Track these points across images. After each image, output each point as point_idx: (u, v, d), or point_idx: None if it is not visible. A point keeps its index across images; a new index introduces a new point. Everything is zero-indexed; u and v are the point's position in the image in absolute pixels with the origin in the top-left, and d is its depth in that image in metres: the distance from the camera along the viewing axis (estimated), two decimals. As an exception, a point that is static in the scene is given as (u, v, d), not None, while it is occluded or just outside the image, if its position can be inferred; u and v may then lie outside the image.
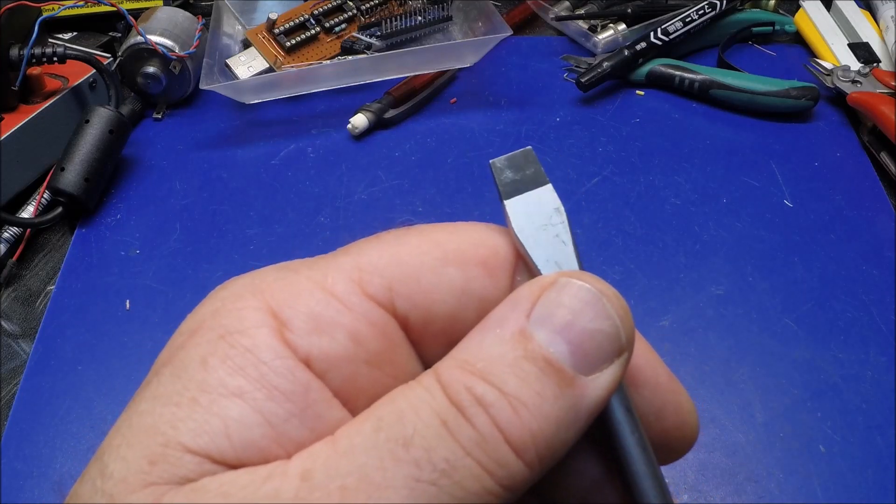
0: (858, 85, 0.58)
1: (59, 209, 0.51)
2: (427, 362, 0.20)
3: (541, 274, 0.20)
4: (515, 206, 0.20)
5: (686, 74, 0.60)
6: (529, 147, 0.21)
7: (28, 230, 0.51)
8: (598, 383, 0.19)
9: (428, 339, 0.20)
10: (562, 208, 0.20)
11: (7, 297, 0.48)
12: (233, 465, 0.17)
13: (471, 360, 0.18)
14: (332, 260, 0.19)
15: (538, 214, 0.20)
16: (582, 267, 0.20)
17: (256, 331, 0.17)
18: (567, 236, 0.20)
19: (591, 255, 0.48)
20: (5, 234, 0.50)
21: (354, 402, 0.18)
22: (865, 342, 0.43)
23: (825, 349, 0.42)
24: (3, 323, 0.47)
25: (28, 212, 0.52)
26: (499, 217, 0.21)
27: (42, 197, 0.52)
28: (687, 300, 0.45)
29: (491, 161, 0.21)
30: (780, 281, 0.47)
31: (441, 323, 0.19)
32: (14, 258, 0.50)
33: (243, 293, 0.18)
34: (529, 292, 0.19)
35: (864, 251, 0.48)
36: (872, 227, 0.50)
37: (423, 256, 0.19)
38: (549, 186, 0.20)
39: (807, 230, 0.50)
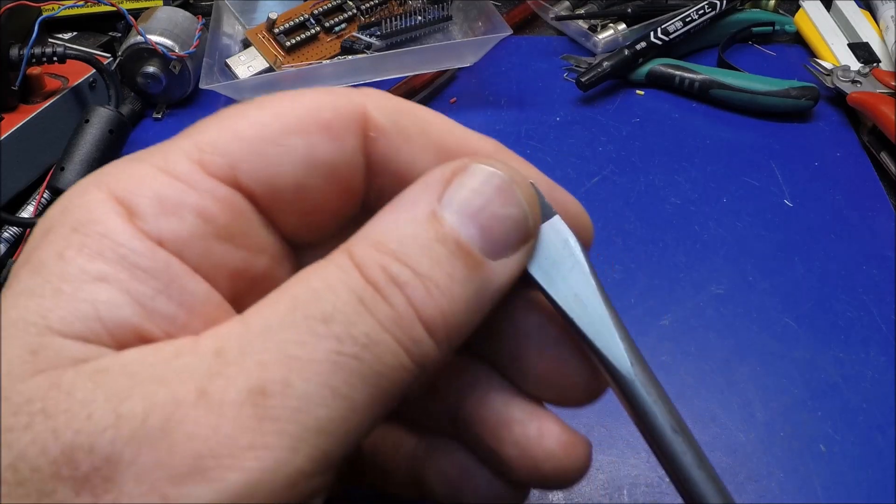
0: (858, 85, 0.58)
1: (59, 209, 0.51)
2: (284, 233, 0.20)
3: (564, 312, 0.20)
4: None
5: (686, 74, 0.60)
6: (531, 181, 0.20)
7: (28, 230, 0.51)
8: (505, 268, 0.19)
9: (279, 210, 0.20)
10: (574, 237, 0.20)
11: (7, 297, 0.48)
12: (112, 347, 0.16)
13: (384, 241, 0.18)
14: (174, 143, 0.19)
15: (550, 248, 0.20)
16: (605, 294, 0.20)
17: (106, 218, 0.17)
18: (583, 266, 0.20)
19: (591, 254, 0.48)
20: (5, 234, 0.50)
21: (214, 276, 0.19)
22: (865, 342, 0.43)
23: (825, 349, 0.42)
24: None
25: (28, 212, 0.52)
26: None
27: (42, 197, 0.52)
28: (687, 300, 0.45)
29: None
30: (780, 281, 0.47)
31: (289, 193, 0.19)
32: (14, 258, 0.50)
33: (88, 187, 0.18)
34: (441, 175, 0.19)
35: (864, 251, 0.48)
36: (872, 227, 0.50)
37: (264, 129, 0.19)
38: (558, 217, 0.20)
39: (807, 230, 0.50)
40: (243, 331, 0.17)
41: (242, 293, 0.19)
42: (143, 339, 0.17)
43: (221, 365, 0.16)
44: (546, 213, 0.20)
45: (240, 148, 0.19)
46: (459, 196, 0.19)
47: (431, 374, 0.18)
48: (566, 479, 0.21)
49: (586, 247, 0.21)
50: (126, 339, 0.17)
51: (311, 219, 0.20)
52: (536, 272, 0.20)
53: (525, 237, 0.19)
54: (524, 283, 0.20)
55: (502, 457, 0.21)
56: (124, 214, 0.17)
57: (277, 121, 0.19)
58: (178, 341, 0.17)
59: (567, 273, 0.20)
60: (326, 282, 0.17)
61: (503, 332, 0.22)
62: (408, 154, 0.20)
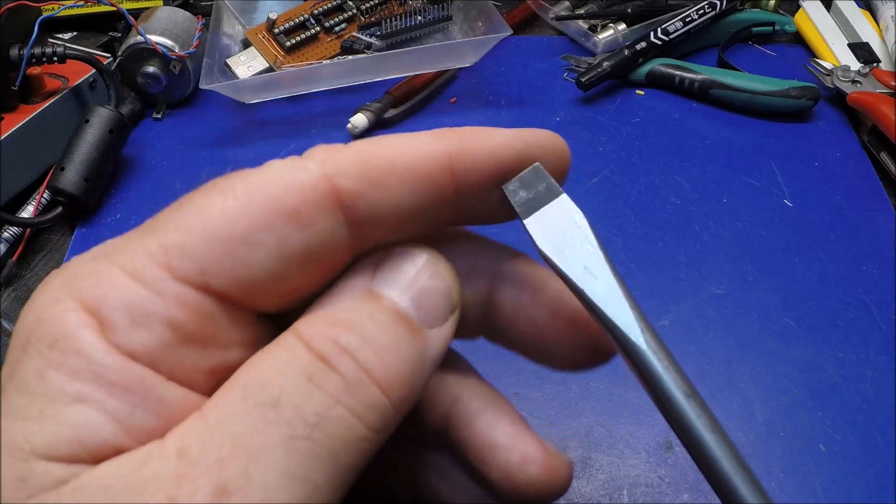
0: (858, 85, 0.58)
1: (59, 209, 0.51)
2: (262, 311, 0.20)
3: (574, 284, 0.20)
4: (535, 224, 0.21)
5: (686, 74, 0.60)
6: (537, 163, 0.21)
7: (28, 230, 0.51)
8: (439, 336, 0.20)
9: (254, 301, 0.20)
10: (581, 215, 0.21)
11: (7, 297, 0.48)
12: (91, 463, 0.17)
13: (330, 315, 0.19)
14: (139, 241, 0.19)
15: (558, 226, 0.21)
16: (613, 266, 0.20)
17: (80, 333, 0.18)
18: (592, 240, 0.20)
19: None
20: (5, 234, 0.50)
21: (189, 379, 0.19)
22: (865, 342, 0.43)
23: (825, 349, 0.42)
24: (3, 323, 0.47)
25: (28, 212, 0.52)
26: (514, 225, 0.21)
27: (42, 197, 0.52)
28: (687, 300, 0.45)
29: (503, 185, 0.21)
30: (780, 281, 0.47)
31: (264, 286, 0.19)
32: (14, 258, 0.50)
33: (60, 295, 0.18)
34: (368, 262, 0.21)
35: (864, 251, 0.48)
36: (872, 227, 0.50)
37: (232, 228, 0.18)
38: (564, 196, 0.21)
39: (807, 230, 0.50)
40: (202, 426, 0.17)
41: (222, 383, 0.19)
42: (122, 452, 0.17)
43: (186, 466, 0.16)
44: (553, 192, 0.21)
45: (209, 252, 0.18)
46: (390, 275, 0.20)
47: (388, 437, 0.19)
48: (548, 499, 0.22)
49: (564, 172, 0.22)
50: (105, 454, 0.17)
51: (290, 298, 0.20)
52: (547, 248, 0.20)
53: (452, 308, 0.21)
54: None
55: (487, 479, 0.22)
56: (97, 328, 0.18)
57: (244, 217, 0.19)
58: (147, 447, 0.17)
59: (576, 248, 0.20)
60: (274, 366, 0.18)
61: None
62: (387, 198, 0.20)
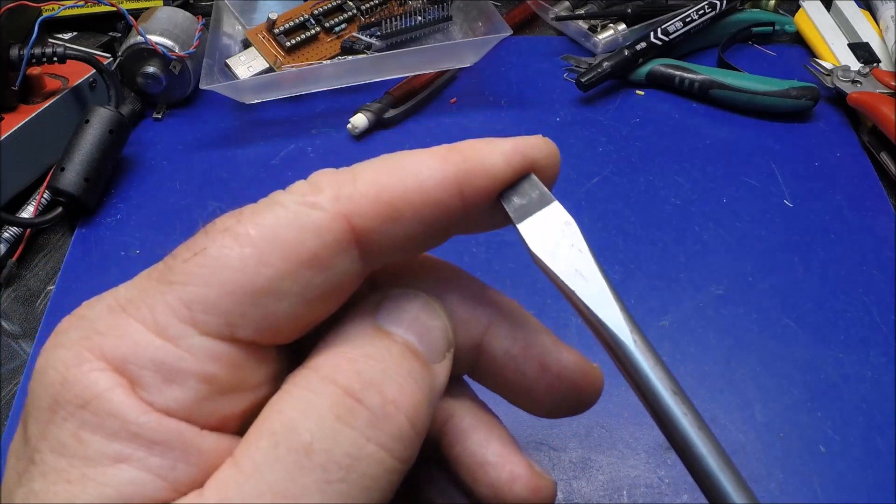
0: (858, 85, 0.58)
1: (59, 209, 0.51)
2: (285, 344, 0.21)
3: (566, 286, 0.21)
4: (528, 228, 0.21)
5: (686, 74, 0.60)
6: (530, 173, 0.22)
7: (28, 230, 0.51)
8: (441, 370, 0.21)
9: (279, 340, 0.20)
10: (572, 221, 0.22)
11: (7, 297, 0.48)
12: None
13: (348, 352, 0.20)
14: (159, 295, 0.18)
15: (550, 231, 0.21)
16: (603, 270, 0.21)
17: (111, 394, 0.18)
18: (582, 245, 0.21)
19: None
20: (5, 234, 0.50)
21: (226, 426, 0.19)
22: (865, 342, 0.43)
23: (825, 349, 0.42)
24: (3, 323, 0.47)
25: (28, 212, 0.52)
26: (510, 231, 0.22)
27: (42, 197, 0.52)
28: (687, 300, 0.45)
29: (498, 195, 0.22)
30: (780, 281, 0.47)
31: (292, 327, 0.20)
32: (14, 258, 0.50)
33: (82, 353, 0.18)
34: (370, 302, 0.21)
35: (864, 251, 0.48)
36: (872, 227, 0.50)
37: (255, 279, 0.18)
38: (556, 203, 0.22)
39: (807, 230, 0.50)
40: (237, 474, 0.17)
41: (252, 420, 0.19)
42: None
43: None
44: (546, 200, 0.22)
45: (232, 304, 0.18)
46: (394, 314, 0.21)
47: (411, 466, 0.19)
48: None
49: (555, 176, 0.23)
50: None
51: (310, 327, 0.21)
52: (539, 252, 0.21)
53: (449, 345, 0.22)
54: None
55: (476, 494, 0.23)
56: (127, 387, 0.18)
57: (264, 268, 0.18)
58: (187, 498, 0.17)
59: (567, 252, 0.21)
60: (300, 409, 0.18)
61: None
62: (401, 230, 0.20)
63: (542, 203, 0.22)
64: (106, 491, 0.17)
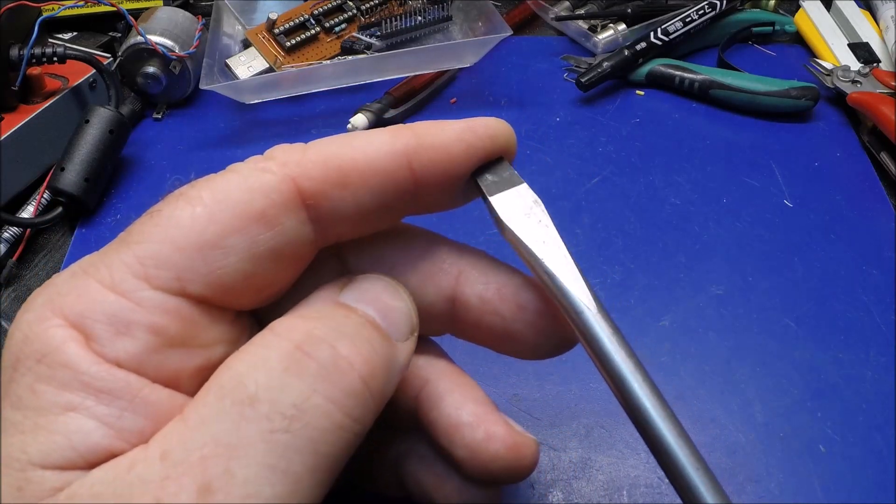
0: (858, 85, 0.58)
1: (59, 209, 0.51)
2: (240, 309, 0.21)
3: (532, 253, 0.22)
4: (500, 202, 0.23)
5: (686, 74, 0.60)
6: (502, 157, 0.24)
7: (28, 230, 0.51)
8: (404, 350, 0.21)
9: (234, 300, 0.20)
10: (539, 201, 0.23)
11: (7, 297, 0.48)
12: (86, 469, 0.18)
13: (305, 313, 0.20)
14: (114, 254, 0.19)
15: (520, 207, 0.23)
16: (565, 244, 0.22)
17: (66, 346, 0.18)
18: (548, 221, 0.23)
19: (591, 255, 0.48)
20: (5, 234, 0.50)
21: (175, 381, 0.19)
22: (865, 342, 0.43)
23: (825, 349, 0.42)
24: (3, 323, 0.47)
25: (28, 212, 0.52)
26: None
27: (42, 197, 0.52)
28: (687, 300, 0.45)
29: (472, 173, 0.23)
30: (780, 281, 0.47)
31: (238, 285, 0.20)
32: (14, 258, 0.50)
33: (44, 312, 0.19)
34: (334, 285, 0.22)
35: (864, 251, 0.48)
36: (872, 227, 0.50)
37: (202, 235, 0.19)
38: (525, 185, 0.24)
39: (807, 230, 0.50)
40: (182, 428, 0.18)
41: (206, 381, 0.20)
42: (115, 455, 0.18)
43: (169, 468, 0.17)
44: (516, 181, 0.23)
45: (182, 258, 0.19)
46: (357, 293, 0.21)
47: (367, 430, 0.19)
48: (514, 477, 0.23)
49: (512, 154, 0.24)
50: (99, 458, 0.18)
51: (263, 294, 0.21)
52: (510, 222, 0.23)
53: (412, 328, 0.22)
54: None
55: (454, 457, 0.23)
56: (81, 340, 0.18)
57: (213, 224, 0.19)
58: (132, 452, 0.18)
59: (535, 226, 0.23)
60: (249, 362, 0.19)
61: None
62: (349, 197, 0.21)
63: (512, 183, 0.23)
64: (55, 438, 0.18)
